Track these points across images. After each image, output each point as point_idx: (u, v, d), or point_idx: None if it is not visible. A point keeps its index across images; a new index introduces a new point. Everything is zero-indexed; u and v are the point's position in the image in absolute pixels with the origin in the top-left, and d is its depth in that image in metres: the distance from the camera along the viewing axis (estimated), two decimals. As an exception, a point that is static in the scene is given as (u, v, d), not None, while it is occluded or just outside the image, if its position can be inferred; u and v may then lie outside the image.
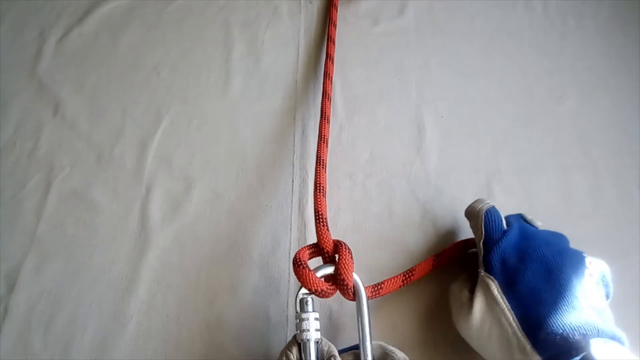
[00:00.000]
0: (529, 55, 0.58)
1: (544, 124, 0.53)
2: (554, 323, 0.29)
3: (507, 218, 0.38)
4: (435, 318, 0.41)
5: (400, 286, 0.37)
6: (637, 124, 0.52)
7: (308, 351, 0.31)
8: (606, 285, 0.33)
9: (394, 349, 0.32)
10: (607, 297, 0.34)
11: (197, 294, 0.43)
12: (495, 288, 0.32)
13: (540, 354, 0.28)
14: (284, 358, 0.31)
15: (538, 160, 0.50)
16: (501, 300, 0.31)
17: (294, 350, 0.31)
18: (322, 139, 0.46)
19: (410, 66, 0.58)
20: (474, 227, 0.38)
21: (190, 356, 0.40)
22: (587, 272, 0.32)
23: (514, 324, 0.30)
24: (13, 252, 0.46)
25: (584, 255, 0.34)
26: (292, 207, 0.48)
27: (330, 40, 0.57)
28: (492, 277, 0.33)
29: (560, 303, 0.30)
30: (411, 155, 0.51)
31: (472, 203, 0.40)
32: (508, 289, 0.32)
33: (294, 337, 0.32)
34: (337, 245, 0.35)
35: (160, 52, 0.60)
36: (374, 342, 0.32)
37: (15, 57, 0.60)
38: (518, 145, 0.51)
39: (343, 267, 0.33)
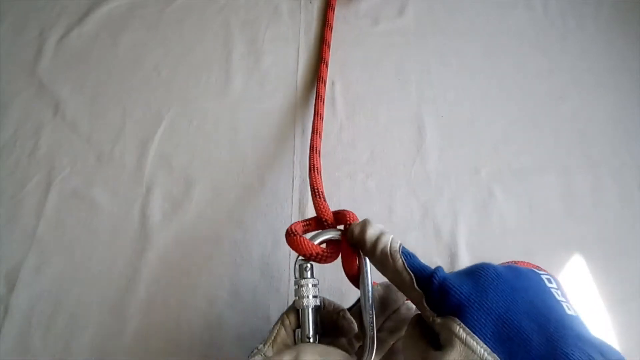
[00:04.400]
0: (529, 55, 0.58)
1: (544, 124, 0.53)
2: (572, 352, 0.22)
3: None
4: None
5: None
6: (637, 124, 0.52)
7: (306, 318, 0.30)
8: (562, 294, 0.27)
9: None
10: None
11: (197, 294, 0.43)
12: (459, 328, 0.23)
13: None
14: (280, 322, 0.30)
15: (538, 160, 0.50)
16: (473, 342, 0.23)
17: (292, 316, 0.30)
18: (317, 115, 0.47)
19: (410, 66, 0.58)
20: (384, 267, 0.28)
21: (190, 356, 0.40)
22: (552, 288, 0.26)
23: None
24: (13, 252, 0.45)
25: (539, 272, 0.27)
26: (292, 207, 0.48)
27: (325, 43, 0.57)
28: (453, 318, 0.24)
29: (559, 333, 0.23)
30: (411, 155, 0.51)
31: (355, 227, 0.31)
32: (477, 327, 0.23)
33: (293, 303, 0.31)
34: (338, 214, 0.34)
35: (160, 52, 0.60)
36: (381, 282, 0.31)
37: (15, 57, 0.60)
38: (518, 145, 0.51)
39: (348, 214, 0.33)
